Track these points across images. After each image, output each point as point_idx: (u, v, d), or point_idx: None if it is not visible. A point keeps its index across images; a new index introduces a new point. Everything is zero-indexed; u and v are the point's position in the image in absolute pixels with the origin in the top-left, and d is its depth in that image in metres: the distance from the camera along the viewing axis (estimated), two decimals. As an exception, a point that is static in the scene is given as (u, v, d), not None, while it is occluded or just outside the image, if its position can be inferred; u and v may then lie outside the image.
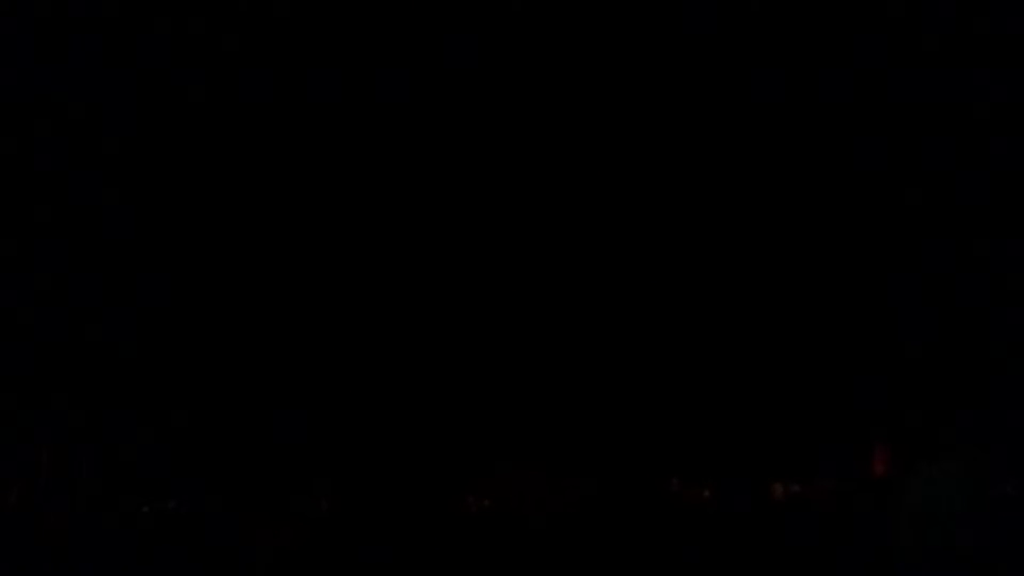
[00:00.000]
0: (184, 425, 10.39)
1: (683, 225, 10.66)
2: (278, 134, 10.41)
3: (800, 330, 10.27)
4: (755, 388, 10.30)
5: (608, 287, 10.82)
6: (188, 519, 9.15)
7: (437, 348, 10.84)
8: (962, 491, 2.16)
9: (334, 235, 10.78)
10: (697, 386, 10.44)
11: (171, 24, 9.54)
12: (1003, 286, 9.48)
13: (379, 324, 10.70)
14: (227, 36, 9.72)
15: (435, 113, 10.40)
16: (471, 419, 10.79)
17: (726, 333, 10.53)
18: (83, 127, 9.89)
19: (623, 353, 10.78)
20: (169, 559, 8.05)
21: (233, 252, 10.73)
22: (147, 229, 10.52)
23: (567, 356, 10.78)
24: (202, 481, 9.94)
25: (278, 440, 10.60)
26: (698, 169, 10.52)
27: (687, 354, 10.57)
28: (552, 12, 9.76)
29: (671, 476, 8.07)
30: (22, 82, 9.45)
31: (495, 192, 10.69)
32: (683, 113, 10.24)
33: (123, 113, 10.02)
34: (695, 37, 9.78)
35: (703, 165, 10.51)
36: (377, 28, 9.92)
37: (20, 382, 9.92)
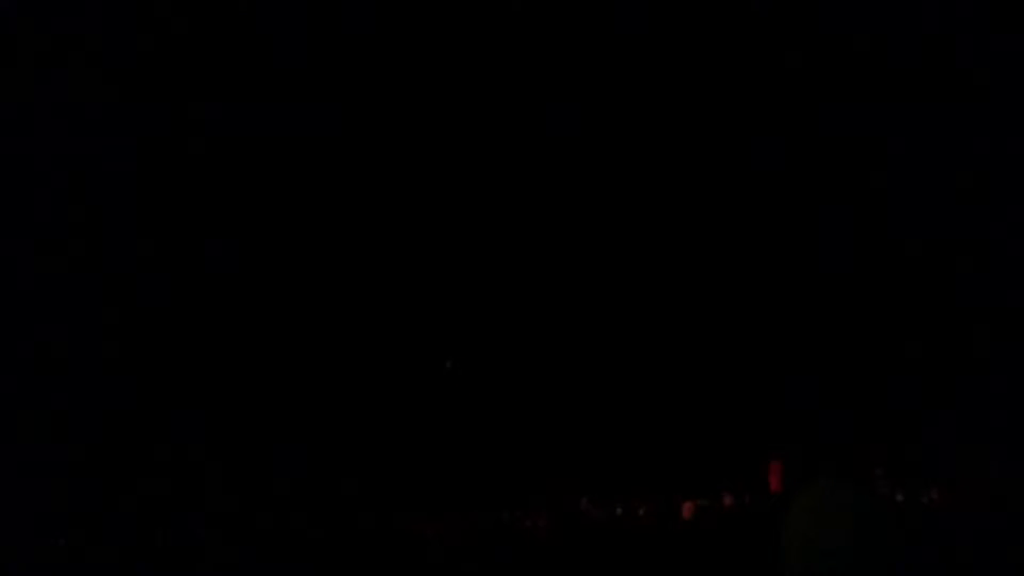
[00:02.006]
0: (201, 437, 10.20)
1: (589, 253, 10.76)
2: (276, 137, 10.26)
3: (703, 348, 10.41)
4: (660, 405, 10.39)
5: (510, 310, 10.84)
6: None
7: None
8: (847, 510, 2.14)
9: (338, 255, 10.67)
10: (602, 405, 10.50)
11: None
12: (904, 302, 9.76)
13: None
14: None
15: (433, 114, 10.33)
16: (387, 446, 10.67)
17: (630, 351, 10.62)
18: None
19: (529, 373, 10.79)
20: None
21: (233, 261, 10.54)
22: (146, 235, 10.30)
23: (472, 380, 10.76)
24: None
25: (276, 458, 10.47)
26: (611, 197, 10.61)
27: (593, 373, 10.62)
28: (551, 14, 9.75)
29: (580, 496, 8.15)
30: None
31: (467, 222, 10.66)
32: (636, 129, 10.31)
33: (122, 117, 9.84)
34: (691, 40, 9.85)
35: (617, 192, 10.62)
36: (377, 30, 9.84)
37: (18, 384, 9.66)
